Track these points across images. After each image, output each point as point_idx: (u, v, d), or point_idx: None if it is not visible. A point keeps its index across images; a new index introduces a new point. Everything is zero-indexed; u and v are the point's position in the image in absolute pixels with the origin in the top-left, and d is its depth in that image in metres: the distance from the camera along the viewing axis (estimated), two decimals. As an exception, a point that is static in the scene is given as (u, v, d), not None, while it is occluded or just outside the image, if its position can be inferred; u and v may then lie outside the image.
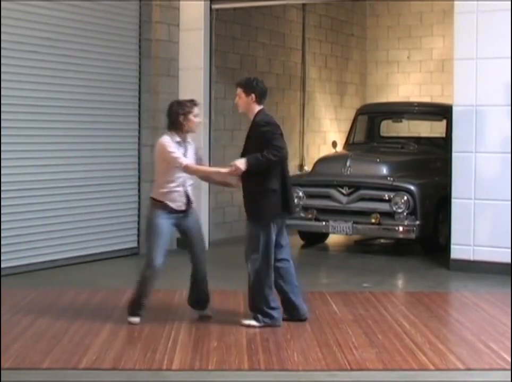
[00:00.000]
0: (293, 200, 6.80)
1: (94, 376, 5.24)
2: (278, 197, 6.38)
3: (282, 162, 6.41)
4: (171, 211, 6.40)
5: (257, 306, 6.40)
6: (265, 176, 6.33)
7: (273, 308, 6.41)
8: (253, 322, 6.40)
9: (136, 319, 6.45)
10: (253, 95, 6.40)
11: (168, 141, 6.34)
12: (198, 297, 6.65)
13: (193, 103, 6.48)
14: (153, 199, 6.45)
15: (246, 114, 6.54)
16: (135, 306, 6.48)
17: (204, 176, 6.84)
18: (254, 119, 6.44)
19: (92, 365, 5.38)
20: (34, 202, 8.85)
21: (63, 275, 8.70)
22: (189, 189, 6.51)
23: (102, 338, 6.03)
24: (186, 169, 6.36)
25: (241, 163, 6.25)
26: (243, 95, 6.42)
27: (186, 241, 6.63)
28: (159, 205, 6.38)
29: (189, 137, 6.54)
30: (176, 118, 6.36)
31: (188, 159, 6.38)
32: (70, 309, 7.01)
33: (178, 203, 6.42)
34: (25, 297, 7.44)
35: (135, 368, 5.32)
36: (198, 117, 6.46)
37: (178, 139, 6.38)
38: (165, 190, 6.38)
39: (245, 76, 11.69)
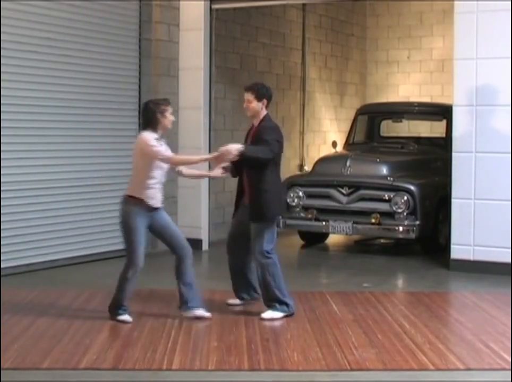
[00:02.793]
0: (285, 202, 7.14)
1: (94, 376, 5.24)
2: (278, 198, 6.82)
3: (278, 165, 6.76)
4: (147, 209, 6.44)
5: (273, 297, 6.67)
6: (267, 178, 6.61)
7: (286, 296, 6.71)
8: (275, 314, 6.65)
9: (127, 317, 6.52)
10: (264, 101, 6.72)
11: (149, 137, 6.39)
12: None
13: (167, 101, 6.62)
14: (130, 197, 6.45)
15: (253, 117, 6.78)
16: (118, 307, 6.56)
17: (185, 173, 6.86)
18: (261, 124, 6.73)
19: (92, 365, 5.38)
20: (34, 202, 8.85)
21: (63, 275, 8.70)
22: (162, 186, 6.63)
23: (102, 338, 6.03)
24: (171, 161, 6.46)
25: (234, 148, 6.41)
26: (255, 101, 6.69)
27: (163, 238, 6.66)
28: (137, 202, 6.41)
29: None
30: (154, 116, 6.44)
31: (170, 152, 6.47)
32: (70, 309, 7.01)
33: (154, 200, 6.49)
34: (25, 297, 7.44)
35: (135, 368, 5.33)
36: (172, 115, 6.57)
37: (156, 136, 6.45)
38: (145, 187, 6.42)
39: (245, 76, 11.86)
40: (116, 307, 6.59)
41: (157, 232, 6.64)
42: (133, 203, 6.42)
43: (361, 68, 15.92)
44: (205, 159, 6.71)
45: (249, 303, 7.11)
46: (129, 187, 6.56)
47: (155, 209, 6.52)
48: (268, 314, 6.69)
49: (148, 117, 6.48)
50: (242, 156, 6.45)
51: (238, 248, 6.98)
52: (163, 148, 6.41)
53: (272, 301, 6.71)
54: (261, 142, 6.58)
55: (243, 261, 7.03)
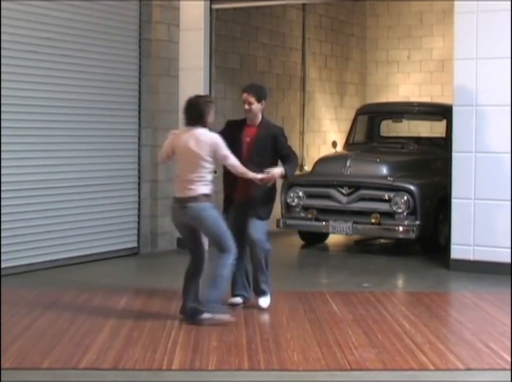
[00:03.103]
0: None
1: (94, 376, 5.24)
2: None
3: None
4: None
5: (266, 281, 6.97)
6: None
7: None
8: (268, 299, 7.00)
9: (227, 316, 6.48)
10: (263, 102, 6.94)
11: (220, 139, 6.44)
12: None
13: (211, 99, 6.70)
14: (202, 195, 6.43)
15: (253, 119, 6.93)
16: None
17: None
18: (261, 125, 6.94)
19: (92, 365, 5.38)
20: (34, 202, 8.85)
21: (63, 275, 8.70)
22: None
23: (102, 338, 6.02)
24: (237, 169, 6.57)
25: (277, 172, 6.72)
26: (255, 102, 6.88)
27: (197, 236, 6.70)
28: (208, 199, 6.46)
29: None
30: (203, 113, 6.47)
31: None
32: (70, 309, 7.00)
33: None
34: (25, 297, 7.43)
35: (135, 368, 5.32)
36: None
37: None
38: (210, 182, 6.49)
39: (245, 76, 11.86)
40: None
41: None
42: (207, 200, 6.45)
43: (361, 68, 15.91)
44: (255, 178, 6.70)
45: (249, 302, 7.13)
46: (193, 186, 6.43)
47: None
48: (264, 302, 6.97)
49: (199, 114, 6.47)
50: (285, 178, 7.02)
51: (240, 248, 7.00)
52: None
53: (265, 283, 6.98)
54: (284, 150, 6.93)
55: (244, 259, 7.12)
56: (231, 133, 6.97)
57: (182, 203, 6.43)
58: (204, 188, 6.44)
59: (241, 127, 7.00)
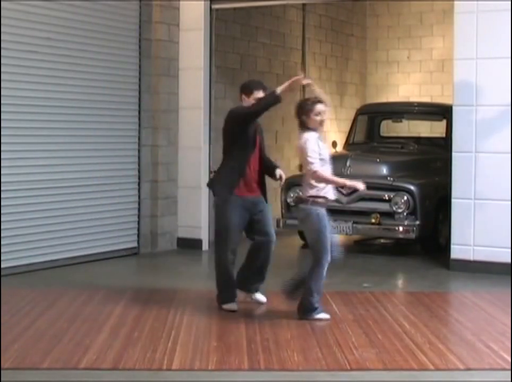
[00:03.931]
0: None
1: (94, 376, 5.24)
2: None
3: None
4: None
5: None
6: None
7: None
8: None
9: (326, 315, 6.58)
10: None
11: (311, 139, 6.42)
12: None
13: (315, 101, 6.59)
14: (310, 197, 6.51)
15: None
16: (316, 305, 6.57)
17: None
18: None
19: (92, 365, 5.38)
20: (34, 202, 8.85)
21: (63, 275, 8.70)
22: None
23: (102, 338, 6.02)
24: (314, 175, 6.44)
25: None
26: None
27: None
28: (316, 202, 6.51)
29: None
30: (300, 117, 6.56)
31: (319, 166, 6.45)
32: (70, 309, 7.01)
33: None
34: (25, 297, 7.44)
35: (135, 368, 5.32)
36: (320, 115, 6.52)
37: (314, 139, 6.50)
38: (316, 187, 6.48)
39: (245, 76, 11.85)
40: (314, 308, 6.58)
41: None
42: (313, 203, 6.52)
43: (361, 68, 15.91)
44: (345, 185, 6.75)
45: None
46: (307, 188, 6.54)
47: None
48: (263, 296, 7.13)
49: (298, 117, 6.59)
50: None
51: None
52: (315, 159, 6.40)
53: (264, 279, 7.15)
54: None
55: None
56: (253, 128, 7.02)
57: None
58: (310, 191, 6.49)
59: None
